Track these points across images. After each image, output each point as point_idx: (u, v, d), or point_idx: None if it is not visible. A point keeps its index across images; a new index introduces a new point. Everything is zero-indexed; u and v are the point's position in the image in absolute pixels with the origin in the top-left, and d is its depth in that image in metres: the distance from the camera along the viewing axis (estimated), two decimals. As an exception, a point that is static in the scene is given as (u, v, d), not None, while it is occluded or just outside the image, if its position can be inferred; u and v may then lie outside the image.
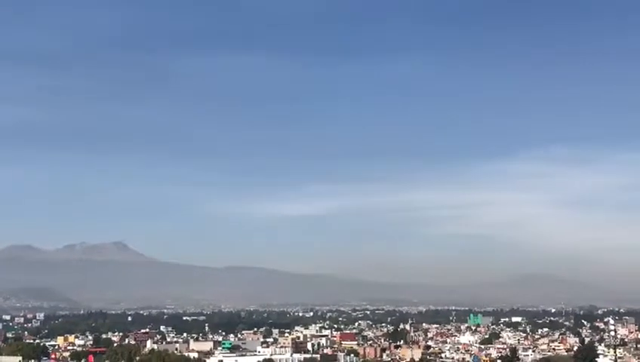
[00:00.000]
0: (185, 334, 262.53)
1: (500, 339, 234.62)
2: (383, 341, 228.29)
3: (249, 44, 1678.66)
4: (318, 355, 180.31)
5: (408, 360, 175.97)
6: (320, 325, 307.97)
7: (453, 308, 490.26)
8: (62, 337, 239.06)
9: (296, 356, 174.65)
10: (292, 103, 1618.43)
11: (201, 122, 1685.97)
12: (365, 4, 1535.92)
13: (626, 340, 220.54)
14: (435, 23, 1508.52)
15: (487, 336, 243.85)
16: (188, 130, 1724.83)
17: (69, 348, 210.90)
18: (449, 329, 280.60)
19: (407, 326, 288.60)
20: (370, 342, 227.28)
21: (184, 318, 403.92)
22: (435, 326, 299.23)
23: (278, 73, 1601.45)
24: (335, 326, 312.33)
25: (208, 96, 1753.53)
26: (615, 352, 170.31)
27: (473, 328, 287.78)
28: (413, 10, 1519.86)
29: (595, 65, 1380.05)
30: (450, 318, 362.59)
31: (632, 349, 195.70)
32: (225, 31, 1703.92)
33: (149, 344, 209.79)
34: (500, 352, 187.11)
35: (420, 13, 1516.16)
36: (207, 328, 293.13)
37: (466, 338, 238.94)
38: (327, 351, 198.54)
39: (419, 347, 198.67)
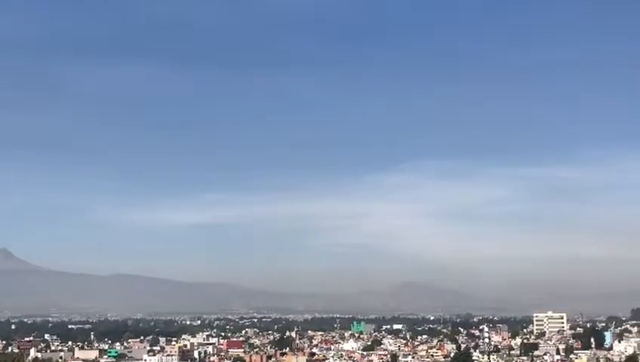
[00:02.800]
0: (70, 342, 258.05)
1: (382, 346, 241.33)
2: (269, 348, 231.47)
3: (147, 52, 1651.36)
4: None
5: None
6: (207, 333, 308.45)
7: (338, 315, 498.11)
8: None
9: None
10: (189, 112, 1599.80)
11: (93, 129, 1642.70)
12: (257, 19, 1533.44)
13: (499, 347, 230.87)
14: (325, 38, 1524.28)
15: (369, 343, 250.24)
16: (79, 137, 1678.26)
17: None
18: (333, 337, 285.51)
19: (293, 334, 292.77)
20: (257, 349, 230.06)
21: (69, 326, 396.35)
22: (320, 333, 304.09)
23: (176, 82, 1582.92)
24: (222, 334, 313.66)
25: (102, 103, 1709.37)
26: (489, 358, 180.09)
27: (356, 335, 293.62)
28: (304, 25, 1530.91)
29: (467, 84, 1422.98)
30: (335, 326, 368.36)
31: (504, 355, 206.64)
32: (121, 39, 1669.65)
33: (32, 352, 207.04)
34: (382, 358, 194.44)
35: (310, 28, 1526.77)
36: (92, 336, 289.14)
37: (350, 345, 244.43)
38: (214, 358, 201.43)
39: (304, 354, 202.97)
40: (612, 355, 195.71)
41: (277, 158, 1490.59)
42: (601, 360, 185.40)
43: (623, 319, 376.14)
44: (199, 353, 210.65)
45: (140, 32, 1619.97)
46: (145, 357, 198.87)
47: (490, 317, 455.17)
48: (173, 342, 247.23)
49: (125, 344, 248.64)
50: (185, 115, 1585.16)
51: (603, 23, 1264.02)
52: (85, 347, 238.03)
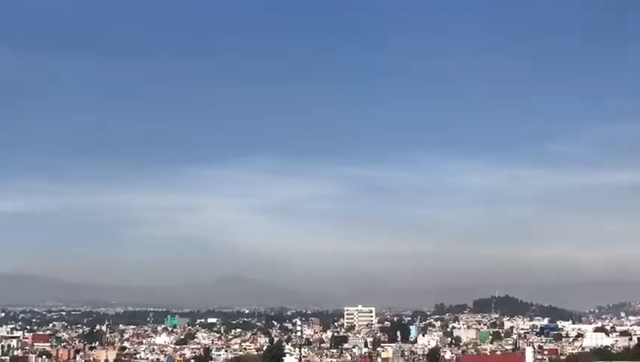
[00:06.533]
0: None
1: (195, 340, 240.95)
2: (77, 342, 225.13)
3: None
4: (8, 357, 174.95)
5: (102, 361, 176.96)
6: (12, 326, 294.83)
7: (152, 309, 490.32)
8: None
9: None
10: (9, 95, 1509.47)
11: None
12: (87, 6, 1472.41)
13: (311, 340, 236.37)
14: (157, 30, 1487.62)
15: (182, 337, 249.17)
16: None
17: None
18: (146, 331, 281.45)
19: (104, 328, 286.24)
20: (64, 343, 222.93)
21: None
22: (132, 327, 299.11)
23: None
24: (28, 327, 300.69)
25: None
26: (300, 351, 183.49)
27: (170, 329, 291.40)
28: (136, 14, 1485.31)
29: (302, 85, 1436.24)
30: (148, 319, 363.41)
31: (315, 348, 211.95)
32: None
33: None
34: (195, 352, 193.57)
35: (142, 18, 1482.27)
36: None
37: (162, 339, 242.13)
38: (18, 352, 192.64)
39: (114, 348, 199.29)
40: (416, 348, 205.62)
41: (96, 148, 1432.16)
42: (405, 352, 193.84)
43: (428, 313, 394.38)
44: (2, 347, 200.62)
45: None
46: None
47: (304, 311, 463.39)
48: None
49: None
50: (10, 100, 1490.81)
51: (453, 34, 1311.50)
52: None
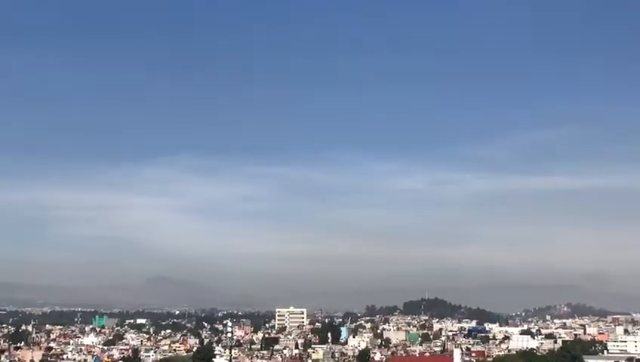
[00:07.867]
0: None
1: (124, 340, 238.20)
2: (2, 342, 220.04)
3: None
4: None
5: (28, 361, 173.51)
6: None
7: (80, 309, 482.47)
8: None
9: None
10: None
11: None
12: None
13: (242, 341, 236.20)
14: (80, 17, 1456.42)
15: (111, 338, 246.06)
16: None
17: None
18: (73, 331, 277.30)
19: (30, 328, 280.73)
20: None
21: None
22: (59, 327, 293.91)
23: None
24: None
25: None
26: (231, 352, 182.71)
27: (98, 329, 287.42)
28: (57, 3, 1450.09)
29: (224, 84, 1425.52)
30: (76, 319, 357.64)
31: (246, 349, 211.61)
32: None
33: None
34: (123, 353, 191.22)
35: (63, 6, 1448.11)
36: None
37: (90, 339, 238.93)
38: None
39: (40, 348, 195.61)
40: (346, 349, 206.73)
41: (12, 143, 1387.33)
42: (336, 354, 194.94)
43: (359, 315, 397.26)
44: None
45: None
46: None
47: (235, 312, 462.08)
48: None
49: None
50: None
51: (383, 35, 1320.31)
52: None
